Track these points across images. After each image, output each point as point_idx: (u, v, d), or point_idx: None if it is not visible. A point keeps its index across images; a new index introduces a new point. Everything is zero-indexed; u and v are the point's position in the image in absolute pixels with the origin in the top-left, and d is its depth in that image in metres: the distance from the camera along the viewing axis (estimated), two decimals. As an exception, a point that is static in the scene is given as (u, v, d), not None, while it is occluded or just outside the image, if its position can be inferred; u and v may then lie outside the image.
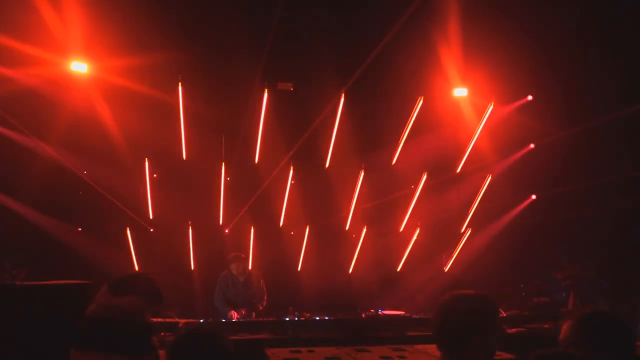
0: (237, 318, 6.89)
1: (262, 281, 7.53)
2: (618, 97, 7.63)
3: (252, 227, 9.52)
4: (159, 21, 6.86)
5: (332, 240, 10.01)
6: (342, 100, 7.29)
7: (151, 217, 8.92)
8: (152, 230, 9.33)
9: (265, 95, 7.21)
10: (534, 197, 9.77)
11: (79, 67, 7.35)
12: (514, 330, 6.62)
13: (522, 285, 9.20)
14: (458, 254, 9.99)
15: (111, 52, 7.24)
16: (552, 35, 7.26)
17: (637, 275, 8.54)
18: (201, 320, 6.68)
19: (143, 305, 2.57)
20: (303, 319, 7.44)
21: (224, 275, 7.35)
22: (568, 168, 8.85)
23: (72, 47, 7.11)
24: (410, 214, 9.62)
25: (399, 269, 10.17)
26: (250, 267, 7.99)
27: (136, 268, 9.04)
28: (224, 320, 6.81)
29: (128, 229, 9.00)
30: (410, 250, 10.02)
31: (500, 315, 2.23)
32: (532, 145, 9.29)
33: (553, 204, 9.45)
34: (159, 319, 6.18)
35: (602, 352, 2.22)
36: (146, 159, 8.46)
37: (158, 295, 3.18)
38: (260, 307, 7.37)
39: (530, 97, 8.58)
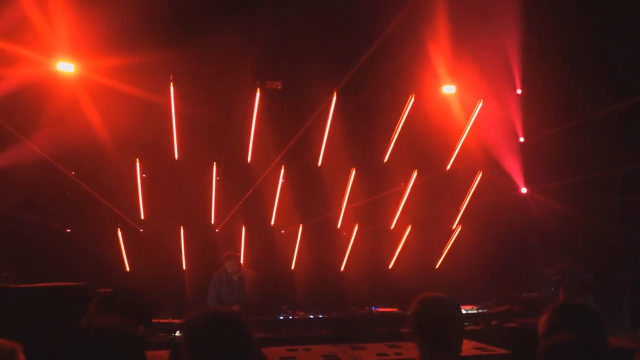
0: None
1: (255, 283, 7.45)
2: (611, 91, 7.70)
3: (244, 226, 9.50)
4: (148, 21, 6.80)
5: (323, 239, 10.03)
6: (334, 99, 7.30)
7: (142, 217, 8.87)
8: (141, 230, 9.28)
9: (257, 94, 7.19)
10: (524, 190, 9.84)
11: (66, 67, 7.26)
12: (506, 325, 6.71)
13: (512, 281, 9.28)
14: (449, 250, 10.06)
15: (99, 52, 7.15)
16: (542, 30, 7.33)
17: (621, 267, 8.70)
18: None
19: (134, 328, 2.54)
20: (297, 317, 7.46)
21: (217, 274, 7.32)
22: (559, 163, 8.93)
23: (58, 47, 7.03)
24: (401, 211, 9.67)
25: (390, 266, 10.21)
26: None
27: (127, 269, 9.00)
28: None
29: (119, 229, 8.95)
30: (401, 248, 10.07)
31: (459, 315, 2.48)
32: (521, 139, 9.35)
33: (544, 199, 9.55)
34: (153, 320, 6.16)
35: None
36: (137, 159, 8.40)
37: (149, 316, 3.18)
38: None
39: (519, 91, 8.64)
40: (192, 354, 1.99)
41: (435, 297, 2.53)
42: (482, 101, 8.19)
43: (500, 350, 4.81)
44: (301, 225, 9.65)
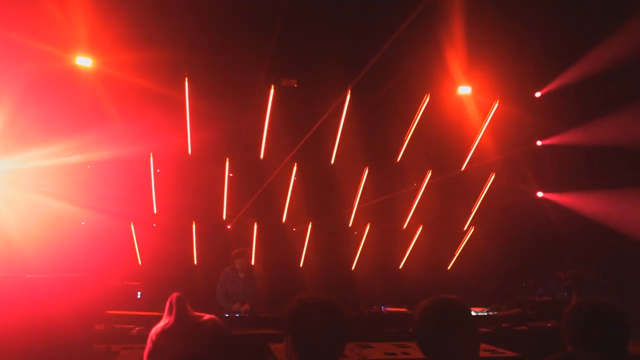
0: (240, 313, 6.89)
1: (259, 278, 7.45)
2: (627, 92, 7.59)
3: (255, 223, 9.53)
4: (164, 17, 6.85)
5: (335, 237, 10.02)
6: (348, 97, 7.29)
7: (155, 211, 8.94)
8: (155, 225, 9.35)
9: (272, 91, 7.20)
10: (540, 194, 9.75)
11: (84, 61, 7.34)
12: (517, 328, 6.65)
13: (523, 284, 9.21)
14: (461, 252, 10.00)
15: (116, 46, 7.22)
16: (557, 31, 7.25)
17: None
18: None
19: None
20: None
21: (226, 271, 7.36)
22: (574, 166, 8.83)
23: (77, 41, 7.10)
24: (414, 211, 9.63)
25: (401, 267, 10.18)
26: (253, 263, 8.00)
27: (139, 262, 9.08)
28: (227, 315, 6.83)
29: (132, 223, 9.02)
30: (412, 248, 10.03)
31: (473, 321, 2.24)
32: (539, 143, 9.26)
33: (559, 203, 9.45)
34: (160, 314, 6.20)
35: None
36: (151, 153, 8.46)
37: None
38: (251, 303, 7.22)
39: (538, 94, 8.55)
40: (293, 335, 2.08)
41: (438, 304, 2.19)
42: (498, 102, 8.12)
43: (509, 353, 4.76)
44: (310, 223, 9.65)
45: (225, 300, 7.18)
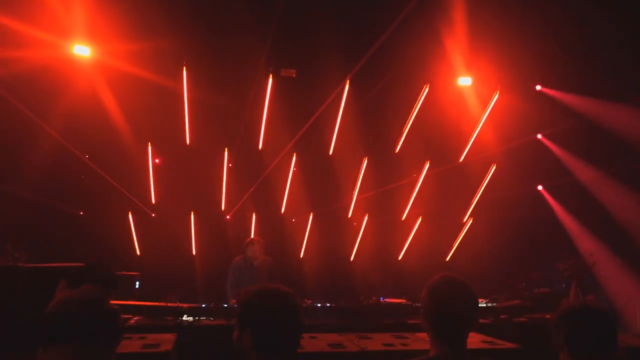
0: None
1: (273, 269, 7.43)
2: (629, 83, 7.55)
3: (254, 214, 9.50)
4: (163, 5, 6.78)
5: (334, 228, 10.01)
6: (347, 87, 7.24)
7: (153, 202, 8.91)
8: (153, 215, 9.33)
9: (270, 81, 7.16)
10: (540, 188, 9.73)
11: (82, 50, 7.27)
12: (515, 320, 6.65)
13: (522, 277, 9.21)
14: (460, 243, 9.99)
15: (114, 35, 7.14)
16: (559, 22, 7.19)
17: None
18: (203, 305, 6.68)
19: (100, 293, 2.44)
20: (305, 305, 7.45)
21: (236, 261, 7.30)
22: (574, 158, 8.81)
23: (74, 30, 7.03)
24: (413, 202, 9.61)
25: (400, 258, 10.18)
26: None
27: (138, 252, 9.07)
28: (226, 306, 6.81)
29: (130, 213, 9.00)
30: (411, 239, 10.02)
31: (475, 299, 2.31)
32: (539, 136, 9.21)
33: (555, 194, 9.45)
34: (161, 304, 6.21)
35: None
36: (149, 143, 8.42)
37: (114, 281, 3.12)
38: None
39: (539, 87, 8.49)
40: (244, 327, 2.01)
41: (450, 281, 2.28)
42: (498, 93, 8.06)
43: (508, 345, 4.76)
44: (311, 214, 9.64)
45: (232, 289, 7.11)
